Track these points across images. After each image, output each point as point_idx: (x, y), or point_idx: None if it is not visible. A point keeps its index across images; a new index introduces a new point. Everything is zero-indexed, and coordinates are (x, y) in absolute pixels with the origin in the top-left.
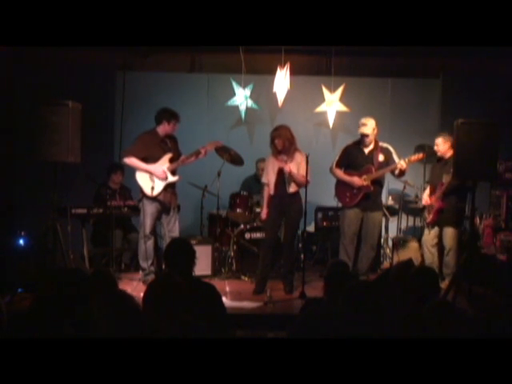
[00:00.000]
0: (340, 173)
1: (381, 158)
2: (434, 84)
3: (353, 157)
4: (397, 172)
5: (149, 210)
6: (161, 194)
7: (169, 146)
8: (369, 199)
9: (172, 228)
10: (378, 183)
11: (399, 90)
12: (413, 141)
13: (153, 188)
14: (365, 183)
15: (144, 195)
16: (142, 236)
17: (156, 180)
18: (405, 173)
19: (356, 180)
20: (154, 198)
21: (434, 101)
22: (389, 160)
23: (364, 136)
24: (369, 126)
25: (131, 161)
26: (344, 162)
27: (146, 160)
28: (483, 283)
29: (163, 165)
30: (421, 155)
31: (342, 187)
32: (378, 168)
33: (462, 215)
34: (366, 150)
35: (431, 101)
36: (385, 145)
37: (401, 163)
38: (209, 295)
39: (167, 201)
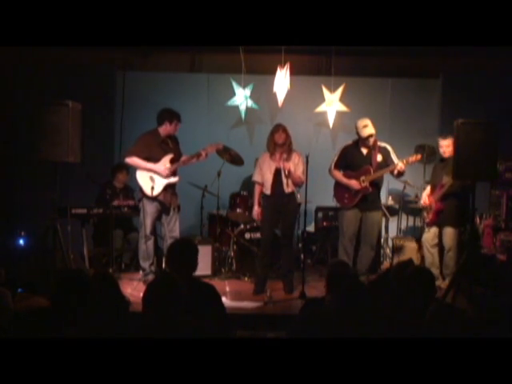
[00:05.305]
0: (339, 175)
1: (379, 158)
2: (434, 84)
3: (351, 158)
4: (395, 173)
5: (149, 209)
6: (161, 195)
7: (170, 146)
8: (367, 200)
9: (172, 228)
10: (377, 183)
11: (399, 90)
12: (413, 141)
13: (153, 188)
14: (363, 185)
15: (144, 195)
16: (142, 236)
17: (156, 180)
18: (403, 173)
19: (354, 183)
20: (153, 198)
21: (434, 101)
22: (387, 160)
23: (370, 137)
24: (370, 125)
25: (133, 160)
26: (342, 163)
27: (147, 160)
28: (483, 283)
29: (164, 165)
30: (419, 156)
31: (340, 189)
32: (376, 168)
33: (464, 215)
34: (364, 151)
35: (431, 101)
36: (383, 144)
37: (399, 165)
38: (209, 295)
39: (167, 201)
